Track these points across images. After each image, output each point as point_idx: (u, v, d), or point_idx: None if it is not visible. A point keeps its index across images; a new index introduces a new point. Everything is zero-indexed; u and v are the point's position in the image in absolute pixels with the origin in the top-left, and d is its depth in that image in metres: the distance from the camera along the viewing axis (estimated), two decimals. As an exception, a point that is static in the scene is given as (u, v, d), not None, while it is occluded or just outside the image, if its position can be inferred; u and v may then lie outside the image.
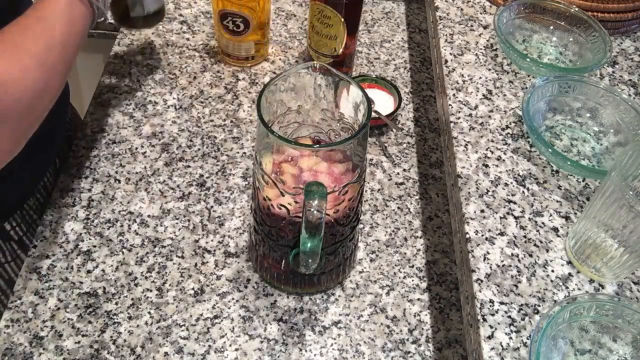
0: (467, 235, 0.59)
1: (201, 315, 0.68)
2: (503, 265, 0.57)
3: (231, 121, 0.88)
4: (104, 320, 0.66)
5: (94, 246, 0.73)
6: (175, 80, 0.93)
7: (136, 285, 0.70)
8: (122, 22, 0.86)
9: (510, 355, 0.51)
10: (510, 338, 0.52)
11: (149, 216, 0.76)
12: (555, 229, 0.60)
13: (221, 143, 0.85)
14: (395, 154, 0.87)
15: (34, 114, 0.56)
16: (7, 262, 0.75)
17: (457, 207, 0.63)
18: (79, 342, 0.65)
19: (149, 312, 0.67)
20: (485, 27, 0.83)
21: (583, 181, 0.65)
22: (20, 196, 0.75)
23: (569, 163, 0.62)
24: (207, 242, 0.74)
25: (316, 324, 0.68)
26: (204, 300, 0.69)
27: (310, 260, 0.57)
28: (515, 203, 0.62)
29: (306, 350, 0.66)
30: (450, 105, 0.72)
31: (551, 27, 0.81)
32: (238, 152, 0.84)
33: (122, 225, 0.75)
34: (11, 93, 0.50)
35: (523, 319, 0.54)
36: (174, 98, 0.90)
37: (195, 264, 0.72)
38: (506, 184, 0.64)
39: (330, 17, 0.84)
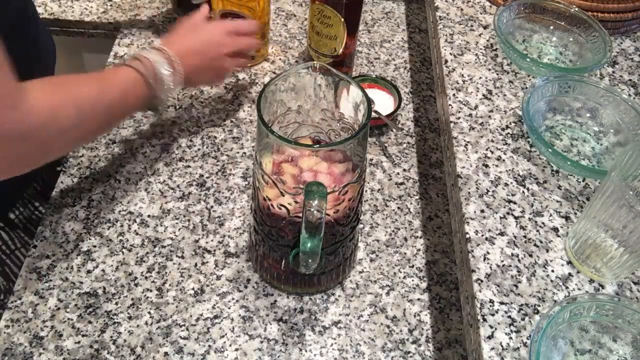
0: (467, 235, 0.59)
1: (201, 315, 0.68)
2: (503, 265, 0.57)
3: (231, 121, 0.88)
4: (104, 320, 0.66)
5: (94, 246, 0.73)
6: (175, 80, 0.93)
7: (136, 285, 0.70)
8: (185, 9, 0.87)
9: (510, 355, 0.51)
10: (510, 338, 0.52)
11: (149, 216, 0.76)
12: (555, 229, 0.60)
13: (221, 143, 0.85)
14: (395, 154, 0.87)
15: (54, 145, 0.58)
16: (17, 248, 0.78)
17: (457, 207, 0.63)
18: (79, 342, 0.65)
19: (149, 312, 0.67)
20: (485, 27, 0.83)
21: (583, 181, 0.65)
22: (18, 187, 0.78)
23: (569, 163, 0.62)
24: (207, 242, 0.74)
25: (316, 324, 0.68)
26: (204, 300, 0.69)
27: (310, 260, 0.57)
28: (515, 203, 0.62)
29: (306, 350, 0.66)
30: (450, 105, 0.72)
31: (551, 27, 0.81)
32: (238, 152, 0.84)
33: (122, 225, 0.75)
34: (37, 117, 0.53)
35: (523, 319, 0.54)
36: (174, 98, 0.90)
37: (195, 264, 0.72)
38: (506, 184, 0.64)
39: (330, 17, 0.84)
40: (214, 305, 0.68)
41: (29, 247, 0.77)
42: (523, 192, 0.63)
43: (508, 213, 0.61)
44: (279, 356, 0.65)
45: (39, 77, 0.57)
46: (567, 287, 0.56)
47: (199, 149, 0.84)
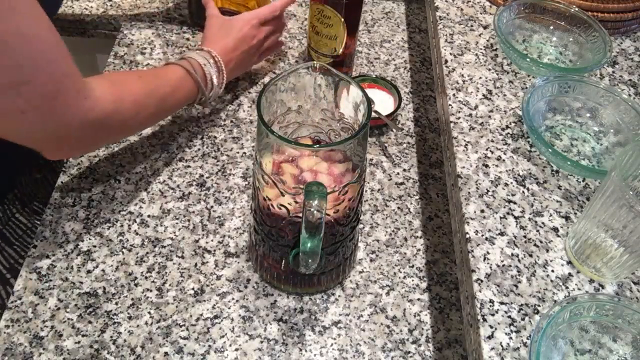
0: (467, 235, 0.59)
1: (201, 315, 0.68)
2: (503, 265, 0.57)
3: (231, 121, 0.88)
4: (104, 320, 0.66)
5: (94, 246, 0.73)
6: (175, 80, 0.93)
7: (136, 285, 0.70)
8: (202, 20, 0.89)
9: (510, 355, 0.51)
10: (510, 338, 0.52)
11: (149, 216, 0.76)
12: (555, 229, 0.60)
13: (221, 143, 0.85)
14: (395, 154, 0.87)
15: (114, 132, 0.67)
16: None
17: (457, 207, 0.63)
18: (79, 342, 0.65)
19: (149, 312, 0.67)
20: (485, 27, 0.83)
21: (583, 181, 0.65)
22: (0, 192, 0.78)
23: (569, 163, 0.62)
24: (207, 242, 0.74)
25: (316, 324, 0.68)
26: (204, 300, 0.69)
27: (310, 260, 0.57)
28: (515, 203, 0.62)
29: (306, 350, 0.66)
30: (450, 105, 0.72)
31: (551, 27, 0.81)
32: (238, 152, 0.84)
33: (122, 225, 0.75)
34: (104, 108, 0.61)
35: (523, 319, 0.54)
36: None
37: (195, 264, 0.72)
38: (506, 184, 0.64)
39: (330, 17, 0.84)
40: (214, 305, 0.68)
41: (6, 253, 0.77)
42: (523, 192, 0.63)
43: (508, 213, 0.61)
44: (279, 356, 0.65)
45: None
46: (567, 287, 0.56)
47: (199, 149, 0.84)
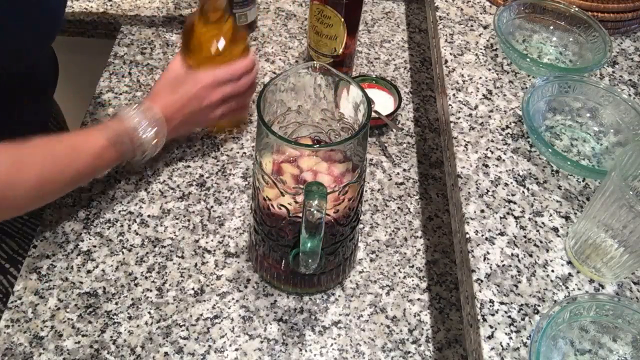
0: (467, 235, 0.59)
1: (201, 315, 0.68)
2: (503, 265, 0.57)
3: (231, 121, 0.88)
4: (104, 320, 0.66)
5: (94, 246, 0.73)
6: (175, 80, 0.93)
7: (136, 285, 0.70)
8: None
9: (510, 355, 0.51)
10: (510, 338, 0.52)
11: (149, 216, 0.76)
12: (555, 229, 0.60)
13: (221, 143, 0.85)
14: (395, 154, 0.87)
15: (6, 213, 0.62)
16: None
17: (457, 207, 0.63)
18: (79, 342, 0.65)
19: (149, 312, 0.67)
20: (485, 27, 0.83)
21: (583, 181, 0.65)
22: None
23: (569, 163, 0.62)
24: (207, 242, 0.74)
25: (316, 324, 0.68)
26: (204, 300, 0.69)
27: (310, 260, 0.57)
28: (515, 203, 0.62)
29: (306, 350, 0.66)
30: (450, 105, 0.72)
31: (551, 27, 0.81)
32: (238, 152, 0.84)
33: (122, 225, 0.75)
34: (3, 193, 0.58)
35: (523, 319, 0.54)
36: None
37: (195, 264, 0.72)
38: (506, 184, 0.64)
39: (330, 17, 0.84)
40: (214, 305, 0.68)
41: (4, 245, 0.77)
42: (523, 192, 0.63)
43: (508, 213, 0.61)
44: (279, 356, 0.65)
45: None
46: (567, 287, 0.56)
47: (199, 149, 0.84)
